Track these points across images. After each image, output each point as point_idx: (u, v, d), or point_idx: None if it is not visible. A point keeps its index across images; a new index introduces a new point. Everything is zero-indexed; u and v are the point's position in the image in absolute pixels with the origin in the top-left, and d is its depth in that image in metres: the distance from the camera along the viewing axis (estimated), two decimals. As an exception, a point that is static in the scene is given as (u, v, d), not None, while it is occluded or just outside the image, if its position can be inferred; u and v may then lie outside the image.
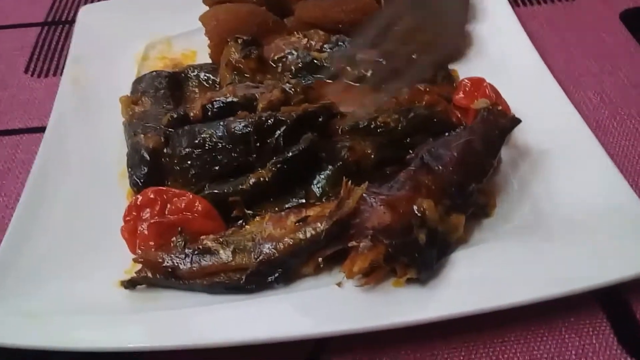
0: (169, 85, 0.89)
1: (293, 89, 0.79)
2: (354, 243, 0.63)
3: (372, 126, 0.75)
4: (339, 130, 0.76)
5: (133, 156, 0.78)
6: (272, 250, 0.64)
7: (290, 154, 0.71)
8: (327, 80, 0.84)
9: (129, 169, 0.77)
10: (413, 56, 0.89)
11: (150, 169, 0.75)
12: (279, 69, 0.87)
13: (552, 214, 0.69)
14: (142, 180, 0.75)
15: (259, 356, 0.62)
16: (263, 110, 0.76)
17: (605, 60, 0.95)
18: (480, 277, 0.63)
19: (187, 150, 0.74)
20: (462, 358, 0.62)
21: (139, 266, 0.67)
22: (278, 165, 0.71)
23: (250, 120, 0.73)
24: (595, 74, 0.93)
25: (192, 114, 0.79)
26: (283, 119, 0.72)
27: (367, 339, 0.62)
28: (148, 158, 0.76)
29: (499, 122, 0.73)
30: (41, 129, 0.87)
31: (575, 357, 0.61)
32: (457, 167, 0.69)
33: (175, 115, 0.79)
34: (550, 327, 0.63)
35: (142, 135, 0.79)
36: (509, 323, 0.63)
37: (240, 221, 0.71)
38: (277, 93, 0.77)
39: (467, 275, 0.64)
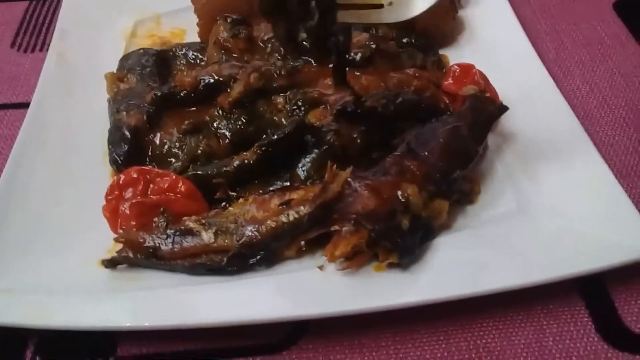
0: (156, 63, 0.88)
1: (277, 72, 0.78)
2: (336, 227, 0.63)
3: (359, 110, 0.75)
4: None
5: (114, 133, 0.77)
6: (255, 232, 0.64)
7: (275, 137, 0.71)
8: (315, 64, 0.82)
9: (110, 146, 0.77)
10: (404, 40, 0.89)
11: (130, 147, 0.75)
12: (268, 50, 0.86)
13: (536, 202, 0.69)
14: (121, 158, 0.75)
15: (239, 337, 0.63)
16: (239, 93, 0.75)
17: (596, 50, 0.95)
18: (461, 263, 0.64)
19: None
20: (441, 342, 0.62)
21: (121, 246, 0.67)
22: (263, 148, 0.70)
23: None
24: (586, 62, 0.93)
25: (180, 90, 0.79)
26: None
27: (347, 322, 0.62)
28: (129, 136, 0.75)
29: (487, 109, 0.73)
30: (26, 105, 0.86)
31: (552, 344, 0.61)
32: (443, 153, 0.69)
33: (158, 93, 0.79)
34: (529, 314, 0.64)
35: (124, 113, 0.78)
36: (488, 308, 0.64)
37: (224, 203, 0.70)
38: (255, 77, 0.76)
39: (449, 261, 0.64)
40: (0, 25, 1.07)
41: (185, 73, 0.87)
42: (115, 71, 0.88)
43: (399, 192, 0.65)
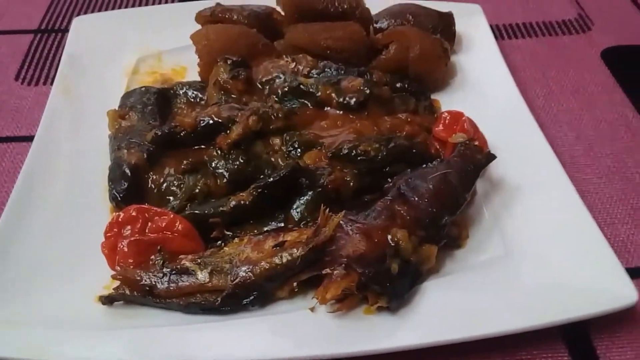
0: (157, 102, 0.90)
1: (275, 114, 0.81)
2: (328, 271, 0.65)
3: (353, 154, 0.77)
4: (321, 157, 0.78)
5: (114, 170, 0.79)
6: (249, 273, 0.66)
7: (271, 179, 0.73)
8: (311, 107, 0.86)
9: (110, 183, 0.78)
10: (397, 85, 0.92)
11: (130, 185, 0.77)
12: (266, 92, 0.89)
13: (522, 248, 0.71)
14: (121, 195, 0.76)
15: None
16: (238, 135, 0.78)
17: (584, 97, 0.98)
18: (448, 308, 0.65)
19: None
20: (427, 386, 0.64)
21: (118, 282, 0.68)
22: (259, 190, 0.72)
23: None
24: (573, 110, 0.96)
25: (180, 130, 0.81)
26: None
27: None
28: (129, 174, 0.77)
29: (475, 158, 0.76)
30: (29, 138, 0.88)
31: (535, 389, 0.63)
32: (432, 199, 0.71)
33: (159, 133, 0.81)
34: (512, 358, 0.65)
35: (125, 151, 0.80)
36: (472, 352, 0.65)
37: (219, 242, 0.72)
38: (254, 119, 0.79)
39: (436, 306, 0.66)
40: (5, 57, 1.10)
41: (185, 112, 0.89)
42: (117, 108, 0.90)
43: (389, 237, 0.68)
